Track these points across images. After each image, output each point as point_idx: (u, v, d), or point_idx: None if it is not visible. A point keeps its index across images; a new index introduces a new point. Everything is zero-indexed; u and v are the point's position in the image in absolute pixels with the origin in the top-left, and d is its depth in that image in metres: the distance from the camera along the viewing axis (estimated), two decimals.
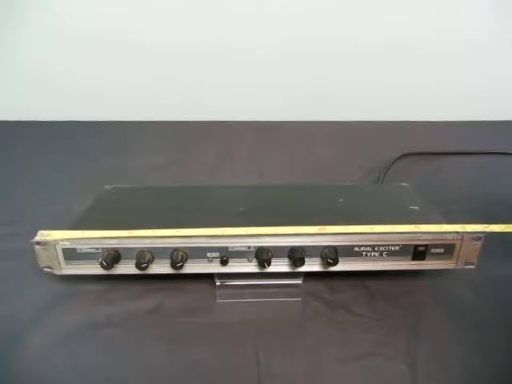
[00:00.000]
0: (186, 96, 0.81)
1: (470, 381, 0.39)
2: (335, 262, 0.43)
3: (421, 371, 0.39)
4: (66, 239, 0.43)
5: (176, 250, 0.43)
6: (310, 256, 0.44)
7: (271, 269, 0.44)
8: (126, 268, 0.44)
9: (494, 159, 0.73)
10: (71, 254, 0.43)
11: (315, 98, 0.82)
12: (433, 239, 0.43)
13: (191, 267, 0.44)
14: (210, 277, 0.46)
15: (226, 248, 0.43)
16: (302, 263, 0.43)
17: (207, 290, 0.47)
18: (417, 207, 0.51)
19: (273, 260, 0.43)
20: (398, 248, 0.44)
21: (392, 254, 0.44)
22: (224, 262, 0.44)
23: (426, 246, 0.44)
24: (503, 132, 0.82)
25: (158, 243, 0.43)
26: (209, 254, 0.44)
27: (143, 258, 0.43)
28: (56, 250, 0.43)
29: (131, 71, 0.78)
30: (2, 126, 0.80)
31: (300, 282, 0.46)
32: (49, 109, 0.80)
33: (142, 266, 0.43)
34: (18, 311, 0.44)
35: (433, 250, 0.44)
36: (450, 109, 0.84)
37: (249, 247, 0.44)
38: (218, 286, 0.46)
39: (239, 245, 0.43)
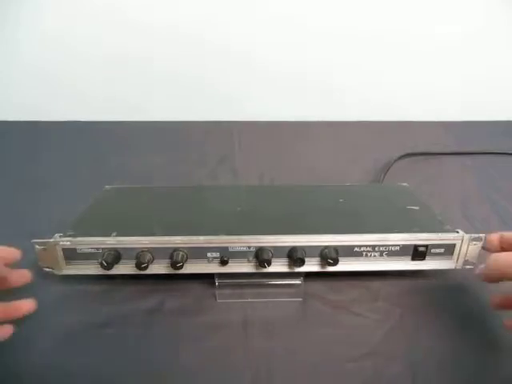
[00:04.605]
0: (186, 96, 0.81)
1: (470, 381, 0.39)
2: (335, 262, 0.43)
3: (421, 371, 0.39)
4: (67, 239, 0.43)
5: (176, 250, 0.43)
6: (310, 256, 0.44)
7: (271, 269, 0.44)
8: (126, 268, 0.44)
9: (494, 159, 0.73)
10: (71, 254, 0.43)
11: (315, 98, 0.82)
12: (433, 239, 0.43)
13: (191, 267, 0.44)
14: (210, 277, 0.46)
15: (226, 248, 0.43)
16: (302, 263, 0.43)
17: (207, 289, 0.46)
18: (417, 207, 0.51)
19: (273, 260, 0.43)
20: (398, 248, 0.44)
21: (392, 254, 0.44)
22: (224, 262, 0.44)
23: (426, 246, 0.44)
24: (503, 132, 0.81)
25: (158, 243, 0.43)
26: (209, 254, 0.44)
27: (143, 258, 0.43)
28: (56, 250, 0.43)
29: (131, 71, 0.78)
30: (3, 126, 0.79)
31: (300, 282, 0.46)
32: (49, 109, 0.80)
33: (142, 266, 0.43)
34: None
35: (433, 250, 0.44)
36: (450, 109, 0.84)
37: (249, 247, 0.44)
38: (218, 285, 0.46)
39: (239, 245, 0.43)
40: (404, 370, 0.39)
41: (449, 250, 0.44)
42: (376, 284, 0.48)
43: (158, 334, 0.43)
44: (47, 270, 0.44)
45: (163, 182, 0.65)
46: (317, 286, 0.47)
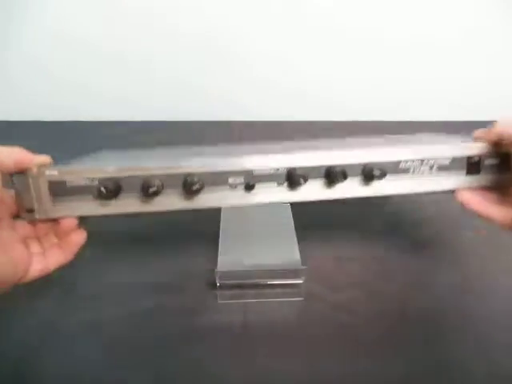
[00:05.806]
0: (187, 96, 0.80)
1: (470, 380, 0.37)
2: (382, 175, 0.36)
3: (421, 371, 0.37)
4: (53, 169, 0.35)
5: (190, 174, 0.36)
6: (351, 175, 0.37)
7: (306, 193, 0.37)
8: (129, 204, 0.36)
9: None
10: (60, 189, 0.35)
11: (315, 99, 0.82)
12: (486, 148, 0.38)
13: (209, 198, 0.36)
14: (210, 276, 0.44)
15: (251, 171, 0.36)
16: (345, 178, 0.36)
17: (208, 290, 0.45)
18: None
19: (307, 183, 0.36)
20: (447, 162, 0.38)
21: (443, 169, 0.38)
22: (249, 188, 0.36)
23: (479, 156, 0.38)
24: None
25: (168, 170, 0.35)
26: (231, 180, 0.36)
27: (151, 182, 0.35)
28: (40, 183, 0.34)
29: (131, 71, 0.78)
30: (3, 126, 0.78)
31: (300, 281, 0.45)
32: (49, 109, 0.78)
33: (151, 190, 0.34)
34: None
35: (487, 162, 0.38)
36: (450, 109, 0.84)
37: (277, 169, 0.37)
38: (219, 286, 0.45)
39: (266, 166, 0.37)
40: (404, 371, 0.37)
41: (506, 159, 0.38)
42: (376, 284, 0.46)
43: (157, 334, 0.41)
44: (26, 215, 0.35)
45: None
46: (317, 286, 0.46)
